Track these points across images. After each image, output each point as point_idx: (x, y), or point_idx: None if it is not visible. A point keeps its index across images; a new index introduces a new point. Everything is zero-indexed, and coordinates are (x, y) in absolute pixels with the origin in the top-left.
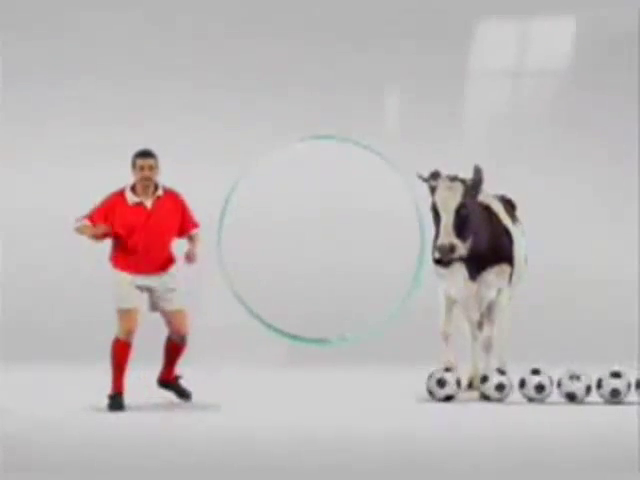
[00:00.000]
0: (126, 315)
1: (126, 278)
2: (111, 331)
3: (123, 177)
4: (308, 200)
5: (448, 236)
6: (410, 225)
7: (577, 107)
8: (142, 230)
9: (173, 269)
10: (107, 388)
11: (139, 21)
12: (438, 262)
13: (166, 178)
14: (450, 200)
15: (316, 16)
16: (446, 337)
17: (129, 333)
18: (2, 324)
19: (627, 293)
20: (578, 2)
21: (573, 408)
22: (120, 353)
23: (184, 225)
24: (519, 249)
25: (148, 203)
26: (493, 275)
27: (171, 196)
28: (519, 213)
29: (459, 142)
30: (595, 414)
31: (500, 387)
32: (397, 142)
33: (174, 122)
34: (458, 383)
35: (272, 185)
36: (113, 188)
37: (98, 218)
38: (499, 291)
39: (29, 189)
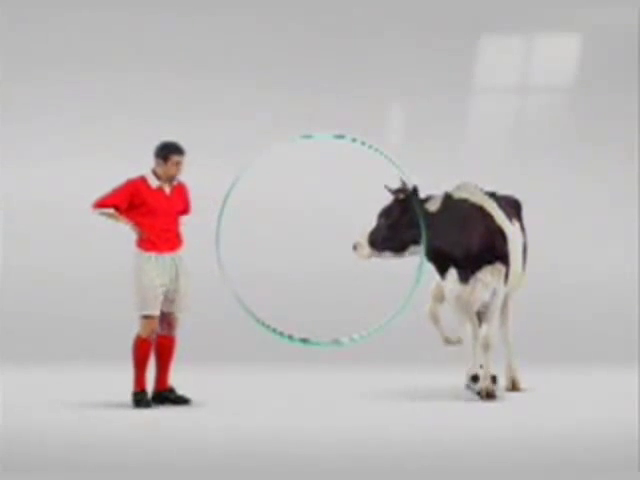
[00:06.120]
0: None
1: (154, 267)
2: (111, 331)
3: (125, 173)
4: (308, 199)
5: (359, 235)
6: None
7: (580, 122)
8: (163, 212)
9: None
10: (106, 387)
11: (139, 17)
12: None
13: None
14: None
15: (320, 24)
16: (435, 318)
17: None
18: (2, 324)
19: (627, 293)
20: (580, 17)
21: (571, 408)
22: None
23: (187, 211)
24: (515, 248)
25: (167, 189)
26: (488, 275)
27: (182, 185)
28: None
29: (461, 157)
30: (593, 414)
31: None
32: (399, 158)
33: (174, 118)
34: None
35: (272, 183)
36: (115, 184)
37: (122, 202)
38: (494, 291)
39: (29, 187)
